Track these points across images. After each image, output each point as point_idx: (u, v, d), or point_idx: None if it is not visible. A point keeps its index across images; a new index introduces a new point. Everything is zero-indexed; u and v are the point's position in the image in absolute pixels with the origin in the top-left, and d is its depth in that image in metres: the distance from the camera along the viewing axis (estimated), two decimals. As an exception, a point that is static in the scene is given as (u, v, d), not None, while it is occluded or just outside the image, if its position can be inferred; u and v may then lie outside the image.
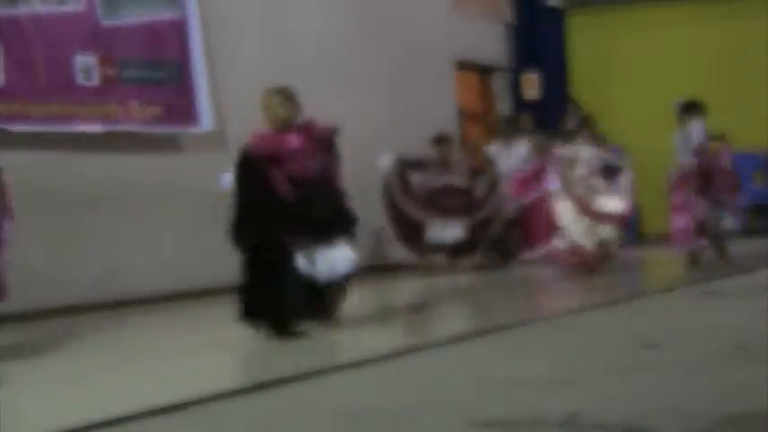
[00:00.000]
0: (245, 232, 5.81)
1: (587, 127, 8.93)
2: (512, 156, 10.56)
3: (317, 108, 9.20)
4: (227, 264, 9.01)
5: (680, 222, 8.65)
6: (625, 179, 9.00)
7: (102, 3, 8.32)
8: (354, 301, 6.17)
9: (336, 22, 10.54)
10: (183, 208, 8.59)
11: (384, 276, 9.48)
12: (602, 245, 8.81)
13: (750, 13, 12.45)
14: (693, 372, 4.01)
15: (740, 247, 8.90)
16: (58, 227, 7.76)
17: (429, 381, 4.29)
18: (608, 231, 8.86)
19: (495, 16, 13.20)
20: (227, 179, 5.83)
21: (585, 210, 8.73)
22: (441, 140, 9.99)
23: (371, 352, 5.01)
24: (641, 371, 4.08)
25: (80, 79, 8.14)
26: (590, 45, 13.09)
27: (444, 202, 9.84)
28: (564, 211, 8.79)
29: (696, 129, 8.64)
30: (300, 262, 5.78)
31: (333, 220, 5.90)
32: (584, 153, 8.82)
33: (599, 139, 9.19)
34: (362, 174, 8.25)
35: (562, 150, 8.86)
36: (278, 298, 5.78)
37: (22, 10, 7.84)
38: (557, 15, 13.38)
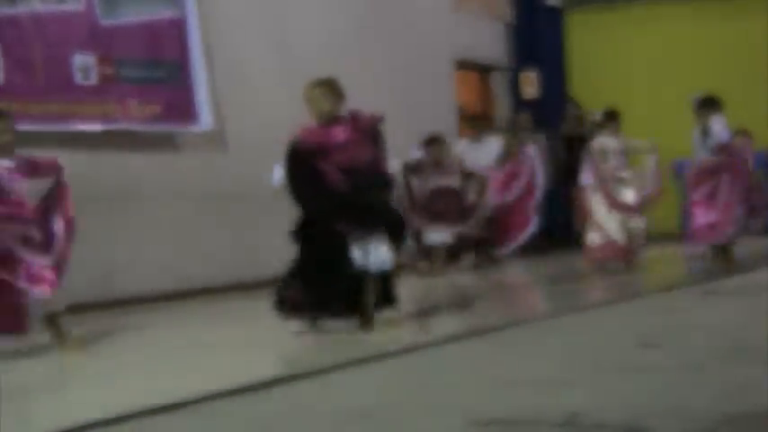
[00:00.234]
0: (304, 225, 5.81)
1: (613, 119, 8.86)
2: (481, 152, 10.53)
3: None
4: (226, 263, 9.09)
5: (701, 219, 8.58)
6: (651, 161, 8.93)
7: (101, 2, 8.32)
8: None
9: (336, 22, 10.53)
10: (182, 207, 8.58)
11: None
12: (632, 237, 8.75)
13: (749, 11, 12.44)
14: (694, 371, 4.01)
15: (740, 247, 8.88)
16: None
17: (429, 380, 4.29)
18: (637, 223, 8.80)
19: (495, 15, 13.20)
20: (278, 174, 5.79)
21: (614, 203, 8.68)
22: (432, 142, 9.97)
23: (371, 351, 5.01)
24: (641, 371, 4.08)
25: (79, 78, 8.13)
26: (589, 44, 13.08)
27: (438, 205, 9.83)
28: (597, 205, 8.73)
29: (718, 124, 8.57)
30: (355, 253, 5.75)
31: (383, 211, 5.89)
32: (611, 144, 8.78)
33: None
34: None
35: (594, 143, 8.78)
36: (336, 289, 5.77)
37: (21, 9, 7.83)
38: (556, 14, 13.38)
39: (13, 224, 5.67)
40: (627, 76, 12.80)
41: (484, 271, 9.77)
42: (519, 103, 13.04)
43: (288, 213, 9.48)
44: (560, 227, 12.70)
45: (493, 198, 10.31)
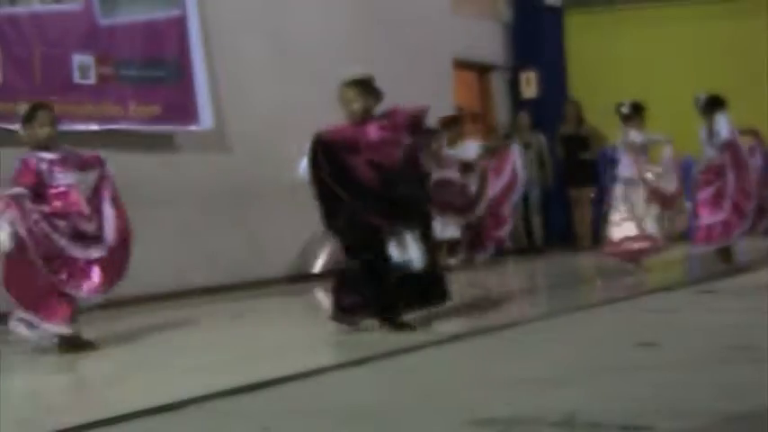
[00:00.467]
0: (337, 220, 5.76)
1: (640, 113, 8.80)
2: (458, 154, 10.47)
3: (316, 106, 9.25)
4: (227, 262, 9.09)
5: (706, 219, 8.56)
6: (667, 153, 8.87)
7: (100, 2, 8.32)
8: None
9: (336, 21, 10.54)
10: (182, 207, 8.58)
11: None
12: (665, 233, 8.69)
13: (749, 12, 12.45)
14: (692, 371, 4.01)
15: (739, 246, 8.88)
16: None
17: (428, 379, 4.30)
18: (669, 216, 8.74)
19: (494, 15, 13.21)
20: (302, 166, 5.73)
21: (656, 195, 8.61)
22: (450, 122, 9.92)
23: (371, 350, 5.01)
24: (640, 370, 4.09)
25: (77, 78, 8.14)
26: (588, 44, 13.08)
27: (442, 198, 9.79)
28: (637, 199, 8.64)
29: (724, 122, 8.55)
30: (393, 249, 5.73)
31: (416, 208, 5.84)
32: (637, 138, 8.73)
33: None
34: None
35: (626, 138, 8.71)
36: (378, 287, 5.73)
37: (19, 9, 7.84)
38: (555, 14, 13.38)
39: (58, 218, 5.67)
40: (626, 76, 12.78)
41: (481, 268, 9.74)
42: (518, 102, 13.05)
43: (289, 212, 9.53)
44: (559, 227, 12.73)
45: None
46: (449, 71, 12.03)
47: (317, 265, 9.98)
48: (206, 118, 9.03)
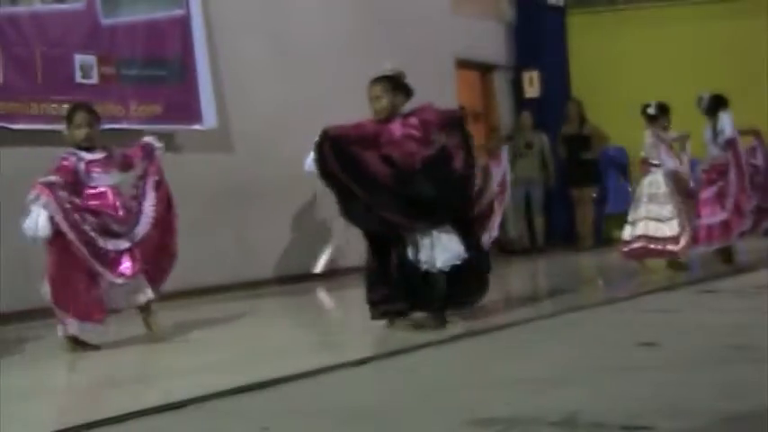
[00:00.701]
0: (354, 212, 5.74)
1: (665, 115, 8.76)
2: None
3: (318, 105, 9.26)
4: (229, 262, 9.09)
5: (706, 219, 8.54)
6: (688, 146, 8.83)
7: (102, 1, 8.33)
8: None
9: (337, 21, 10.54)
10: (186, 206, 8.57)
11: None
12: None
13: (751, 12, 12.44)
14: (692, 370, 4.01)
15: (739, 246, 8.87)
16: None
17: (428, 379, 4.29)
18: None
19: (496, 15, 13.20)
20: (309, 162, 5.69)
21: (685, 191, 8.55)
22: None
23: (371, 350, 5.02)
24: (640, 369, 4.08)
25: (79, 78, 8.14)
26: (590, 43, 13.08)
27: None
28: (666, 196, 8.57)
29: (727, 120, 8.53)
30: (409, 247, 5.71)
31: (438, 204, 5.73)
32: (667, 138, 8.70)
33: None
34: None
35: (655, 137, 8.64)
36: (399, 283, 5.73)
37: (20, 8, 7.85)
38: (557, 14, 13.38)
39: (89, 214, 5.68)
40: (628, 75, 12.79)
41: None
42: (520, 102, 13.05)
43: (290, 212, 9.54)
44: (561, 227, 12.73)
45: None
46: (451, 71, 12.02)
47: (318, 266, 10.00)
48: (209, 117, 9.04)
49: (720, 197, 8.51)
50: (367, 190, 5.65)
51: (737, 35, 12.39)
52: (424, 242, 5.70)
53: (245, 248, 9.24)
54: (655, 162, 8.58)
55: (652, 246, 8.45)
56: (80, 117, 5.90)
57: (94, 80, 8.23)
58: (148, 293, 5.91)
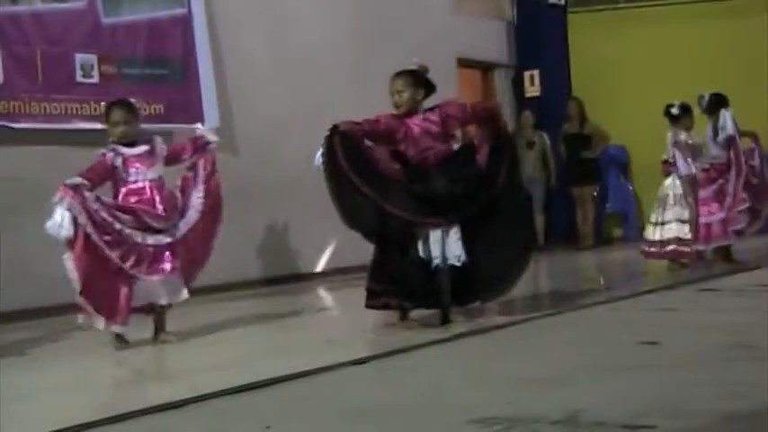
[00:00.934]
0: (356, 213, 5.69)
1: (688, 115, 8.75)
2: None
3: (320, 105, 9.27)
4: (232, 261, 9.08)
5: (706, 217, 8.53)
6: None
7: (103, 0, 8.33)
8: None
9: (339, 20, 10.55)
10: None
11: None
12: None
13: (752, 11, 12.44)
14: (693, 369, 4.01)
15: (739, 245, 8.86)
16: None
17: (429, 378, 4.29)
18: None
19: (497, 14, 13.20)
20: (318, 157, 5.67)
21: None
22: None
23: (373, 349, 5.01)
24: (641, 368, 4.08)
25: (80, 77, 8.15)
26: (591, 42, 13.08)
27: None
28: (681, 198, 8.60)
29: (729, 118, 8.52)
30: (419, 243, 5.70)
31: (452, 202, 5.71)
32: (689, 140, 8.69)
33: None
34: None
35: (677, 137, 8.63)
36: (405, 279, 5.72)
37: (21, 7, 7.85)
38: (558, 13, 13.38)
39: (122, 212, 5.64)
40: (629, 75, 12.79)
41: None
42: (521, 101, 13.05)
43: (293, 212, 9.54)
44: (562, 226, 12.73)
45: None
46: (452, 70, 12.02)
47: (320, 264, 10.01)
48: (211, 116, 9.03)
49: (719, 196, 8.51)
50: (374, 186, 5.63)
51: (738, 34, 12.39)
52: (435, 238, 5.70)
53: (247, 247, 9.24)
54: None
55: (682, 248, 8.48)
56: (116, 114, 5.86)
57: (95, 79, 8.24)
58: (184, 293, 5.87)
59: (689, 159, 8.46)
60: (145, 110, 8.51)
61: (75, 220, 5.41)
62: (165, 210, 5.79)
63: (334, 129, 5.66)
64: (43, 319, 7.17)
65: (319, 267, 10.03)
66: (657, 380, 3.85)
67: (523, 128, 12.51)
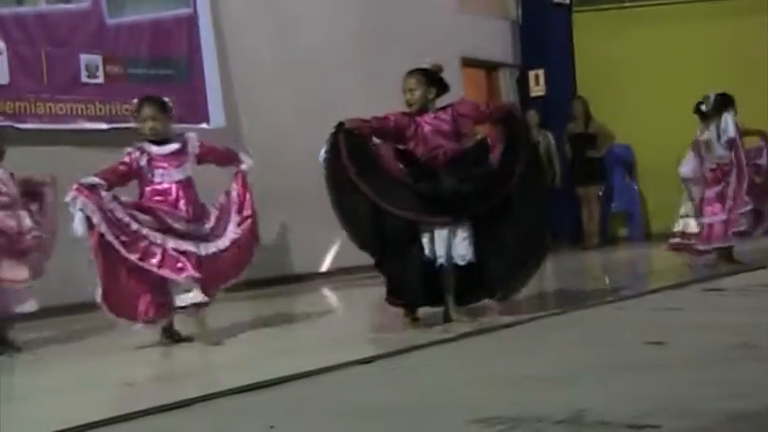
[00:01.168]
0: (353, 215, 5.69)
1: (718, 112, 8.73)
2: None
3: (325, 106, 9.26)
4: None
5: (708, 218, 8.52)
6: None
7: (107, 1, 8.35)
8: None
9: (345, 21, 10.55)
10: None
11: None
12: None
13: (757, 10, 12.40)
14: (698, 369, 4.01)
15: (742, 246, 8.85)
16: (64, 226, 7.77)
17: (434, 377, 4.30)
18: None
19: (502, 13, 13.19)
20: (322, 154, 5.66)
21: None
22: None
23: (376, 349, 5.02)
24: (646, 368, 4.08)
25: (85, 77, 8.16)
26: (596, 41, 13.07)
27: None
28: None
29: (730, 121, 8.52)
30: (424, 242, 5.70)
31: (459, 201, 5.69)
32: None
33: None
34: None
35: (701, 136, 8.65)
36: (400, 278, 5.72)
37: (26, 8, 7.87)
38: (563, 12, 13.37)
39: (141, 212, 5.54)
40: (634, 74, 12.77)
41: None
42: (526, 101, 13.04)
43: (298, 212, 9.53)
44: (567, 225, 12.71)
45: None
46: (457, 69, 12.01)
47: (324, 264, 10.01)
48: (217, 116, 9.04)
49: (722, 197, 8.50)
50: (373, 185, 5.63)
51: (744, 33, 12.36)
52: (441, 237, 5.69)
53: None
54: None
55: (685, 242, 8.52)
56: (145, 111, 5.76)
57: (100, 80, 8.25)
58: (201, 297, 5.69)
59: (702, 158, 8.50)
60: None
61: (89, 220, 5.33)
62: (188, 212, 5.67)
63: (340, 126, 5.67)
64: (52, 319, 7.15)
65: (324, 267, 10.03)
66: (662, 380, 3.84)
67: (524, 123, 12.47)
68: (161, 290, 5.61)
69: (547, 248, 6.20)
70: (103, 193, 5.42)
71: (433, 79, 5.92)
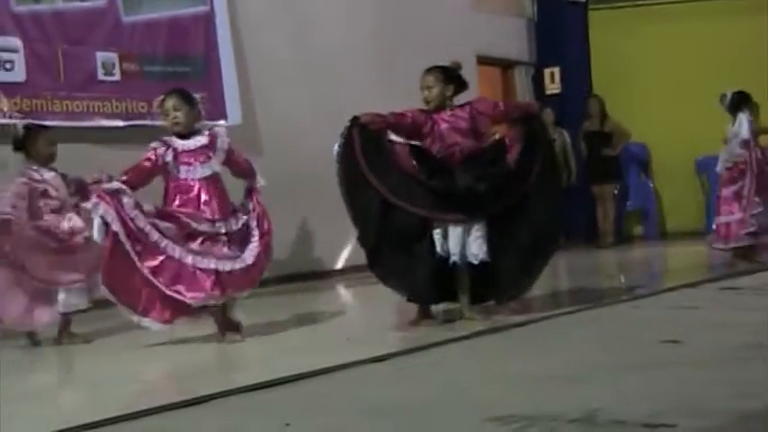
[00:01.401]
0: (365, 210, 5.68)
1: (748, 104, 8.69)
2: None
3: (341, 105, 9.27)
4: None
5: (724, 217, 8.50)
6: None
7: (124, -1, 8.39)
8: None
9: (360, 19, 10.55)
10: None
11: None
12: None
13: (774, 7, 12.36)
14: (714, 368, 4.00)
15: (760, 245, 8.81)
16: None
17: (448, 376, 4.30)
18: None
19: (517, 11, 13.17)
20: (336, 148, 5.66)
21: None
22: None
23: (391, 346, 5.02)
24: (661, 367, 4.07)
25: (101, 75, 8.19)
26: (612, 39, 13.03)
27: None
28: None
29: (745, 121, 8.49)
30: (436, 238, 5.70)
31: (474, 199, 5.67)
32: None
33: None
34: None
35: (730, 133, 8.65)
36: (407, 274, 5.72)
37: (42, 6, 7.90)
38: (578, 9, 13.34)
39: (162, 219, 5.41)
40: (650, 72, 12.74)
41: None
42: (541, 99, 13.01)
43: (313, 209, 9.54)
44: (582, 223, 12.69)
45: None
46: (472, 67, 12.00)
47: (339, 262, 10.02)
48: (234, 114, 9.06)
49: (738, 197, 8.47)
50: (384, 180, 5.64)
51: (760, 30, 12.30)
52: (456, 234, 5.69)
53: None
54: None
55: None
56: (168, 103, 5.63)
57: (117, 77, 8.28)
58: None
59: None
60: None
61: (107, 227, 5.24)
62: (213, 211, 5.52)
63: (355, 120, 5.67)
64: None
65: (338, 265, 10.04)
66: (677, 378, 3.83)
67: (544, 123, 12.45)
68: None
69: (557, 247, 6.19)
70: (126, 200, 5.30)
71: (450, 77, 5.93)
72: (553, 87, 13.17)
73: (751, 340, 4.51)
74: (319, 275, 9.68)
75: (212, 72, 9.01)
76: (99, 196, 5.28)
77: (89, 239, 5.68)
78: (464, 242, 5.71)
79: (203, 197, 5.53)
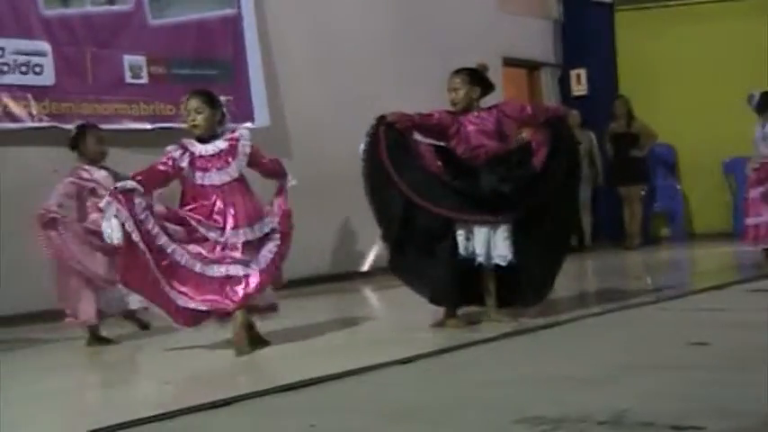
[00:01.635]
0: (388, 207, 5.69)
1: None
2: None
3: (366, 105, 9.28)
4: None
5: (753, 219, 8.47)
6: None
7: (151, 2, 8.43)
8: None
9: (383, 20, 10.57)
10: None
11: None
12: None
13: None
14: (741, 370, 3.97)
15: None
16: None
17: (475, 377, 4.29)
18: None
19: (543, 12, 13.15)
20: (362, 147, 5.66)
21: None
22: None
23: (417, 348, 5.02)
24: (689, 368, 4.06)
25: (129, 78, 8.25)
26: (638, 40, 12.98)
27: None
28: None
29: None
30: (459, 239, 5.71)
31: (498, 200, 5.67)
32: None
33: None
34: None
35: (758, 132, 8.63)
36: (429, 275, 5.72)
37: (71, 10, 7.96)
38: (605, 10, 13.30)
39: (171, 222, 5.25)
40: (677, 73, 12.68)
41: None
42: (568, 100, 12.98)
43: (339, 211, 9.56)
44: (609, 225, 12.65)
45: None
46: (498, 69, 11.98)
47: (365, 264, 10.03)
48: (262, 116, 9.09)
49: (766, 198, 8.42)
50: (408, 180, 5.64)
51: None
52: (481, 235, 5.69)
53: (292, 247, 9.26)
54: None
55: None
56: (190, 104, 5.45)
57: (144, 80, 8.33)
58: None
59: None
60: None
61: (123, 226, 5.06)
62: (226, 221, 5.32)
63: (381, 119, 5.68)
64: (47, 324, 7.13)
65: (365, 267, 10.05)
66: (705, 380, 3.82)
67: (570, 127, 12.42)
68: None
69: (568, 250, 6.25)
70: (137, 200, 5.12)
71: (477, 79, 5.93)
72: (580, 89, 13.14)
73: (780, 342, 4.49)
74: (345, 277, 9.69)
75: (240, 75, 9.05)
76: (112, 195, 5.11)
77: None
78: (490, 243, 5.71)
79: (218, 205, 5.34)
